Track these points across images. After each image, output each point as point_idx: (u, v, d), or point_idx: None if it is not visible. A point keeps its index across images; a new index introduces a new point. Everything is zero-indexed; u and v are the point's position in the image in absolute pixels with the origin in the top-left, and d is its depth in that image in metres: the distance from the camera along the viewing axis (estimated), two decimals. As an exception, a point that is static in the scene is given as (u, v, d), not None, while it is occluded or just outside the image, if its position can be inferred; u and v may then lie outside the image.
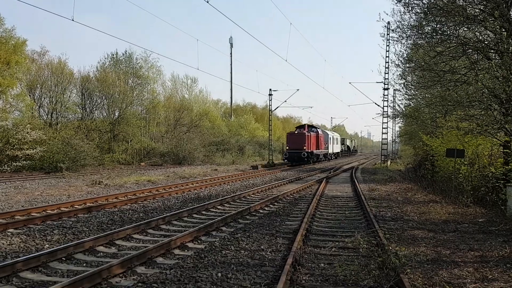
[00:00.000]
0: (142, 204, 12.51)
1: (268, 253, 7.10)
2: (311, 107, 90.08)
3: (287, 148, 36.17)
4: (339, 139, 58.32)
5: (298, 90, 54.65)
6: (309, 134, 36.69)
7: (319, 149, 40.19)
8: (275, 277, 5.74)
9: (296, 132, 37.27)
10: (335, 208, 12.43)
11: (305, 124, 40.80)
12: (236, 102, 73.03)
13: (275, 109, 48.84)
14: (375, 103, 45.47)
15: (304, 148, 35.28)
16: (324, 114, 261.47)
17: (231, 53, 34.96)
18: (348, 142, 77.25)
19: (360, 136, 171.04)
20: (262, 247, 7.48)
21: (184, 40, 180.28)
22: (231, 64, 35.23)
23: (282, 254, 7.01)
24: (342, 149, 64.49)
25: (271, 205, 12.63)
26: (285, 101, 61.94)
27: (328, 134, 47.71)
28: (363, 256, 6.89)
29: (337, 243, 7.73)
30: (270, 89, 43.17)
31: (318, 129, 41.54)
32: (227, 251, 7.15)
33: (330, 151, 48.88)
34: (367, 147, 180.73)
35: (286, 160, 37.19)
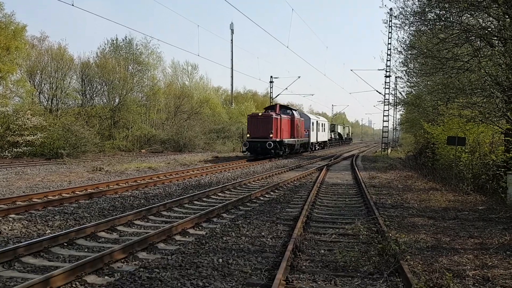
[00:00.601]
0: (143, 191, 12.54)
1: (268, 239, 7.14)
2: (312, 95, 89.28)
3: (248, 136, 27.31)
4: (326, 125, 48.20)
5: (299, 77, 53.79)
6: (278, 118, 27.68)
7: (294, 137, 31.18)
8: (275, 263, 5.77)
9: (260, 114, 27.92)
10: (335, 195, 12.46)
11: (275, 105, 31.03)
12: (236, 89, 72.88)
13: (276, 97, 48.72)
14: (377, 91, 45.39)
15: (271, 136, 26.52)
16: (326, 102, 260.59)
17: (231, 40, 34.79)
18: (339, 129, 66.04)
19: (361, 124, 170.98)
20: (262, 233, 7.51)
21: (184, 26, 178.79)
22: (231, 51, 35.10)
23: (282, 240, 7.04)
24: (331, 137, 55.24)
25: (271, 192, 12.66)
26: (286, 88, 61.85)
27: (310, 119, 38.67)
28: (363, 243, 6.92)
29: (337, 230, 7.76)
30: (271, 76, 43.08)
31: (294, 111, 32.21)
32: (228, 238, 7.18)
33: (313, 139, 39.80)
34: (368, 135, 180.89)
35: (246, 153, 28.29)
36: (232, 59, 34.52)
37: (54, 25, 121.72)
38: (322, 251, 6.51)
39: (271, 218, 8.82)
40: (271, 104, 42.21)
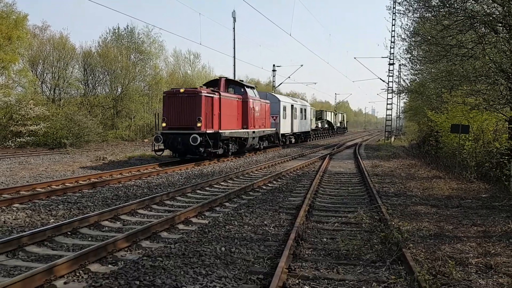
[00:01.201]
0: (146, 180, 12.57)
1: (271, 228, 7.15)
2: (315, 83, 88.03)
3: (164, 125, 17.29)
4: (309, 111, 37.82)
5: (302, 65, 52.97)
6: (213, 97, 17.57)
7: (247, 127, 20.90)
8: (278, 251, 5.79)
9: (181, 91, 17.35)
10: (338, 184, 12.46)
11: (219, 79, 20.54)
12: (239, 78, 72.53)
13: (278, 85, 48.54)
14: (380, 79, 45.04)
15: (198, 125, 16.66)
16: (329, 90, 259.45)
17: (234, 28, 34.45)
18: (329, 116, 53.71)
19: (364, 112, 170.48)
20: (265, 222, 7.53)
21: (186, 14, 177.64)
22: (234, 39, 34.69)
23: (285, 229, 7.05)
24: (317, 126, 45.57)
25: (274, 182, 12.67)
26: (289, 77, 61.13)
27: (279, 102, 28.57)
28: (366, 231, 6.93)
29: (340, 219, 7.77)
30: (274, 65, 42.85)
31: (249, 89, 21.53)
32: (230, 226, 7.20)
33: (285, 129, 29.91)
34: (371, 124, 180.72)
35: (161, 153, 17.83)
36: (234, 48, 34.35)
37: (55, 15, 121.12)
38: (325, 239, 6.52)
39: (274, 207, 8.83)
40: (274, 92, 39.64)
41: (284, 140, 29.97)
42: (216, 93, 18.09)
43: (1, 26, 27.73)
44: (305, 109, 36.23)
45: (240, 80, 22.23)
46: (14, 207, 8.43)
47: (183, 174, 14.06)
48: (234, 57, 34.34)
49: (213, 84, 20.60)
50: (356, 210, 8.28)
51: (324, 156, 21.16)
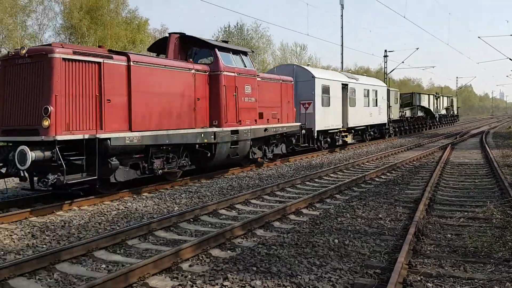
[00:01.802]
0: (257, 172, 12.97)
1: (387, 222, 6.83)
2: (433, 67, 79.36)
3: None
4: (383, 94, 25.16)
5: (417, 49, 49.11)
6: (102, 63, 8.14)
7: (219, 124, 11.17)
8: (396, 246, 5.50)
9: (23, 53, 7.52)
10: (462, 176, 11.42)
11: (168, 36, 11.67)
12: (347, 67, 70.21)
13: (390, 72, 45.94)
14: (510, 59, 39.91)
15: (45, 124, 7.26)
16: (449, 74, 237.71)
17: (341, 15, 33.40)
18: (425, 101, 36.99)
19: (491, 96, 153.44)
20: (380, 215, 7.22)
21: (293, 6, 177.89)
22: (341, 27, 33.64)
23: (402, 223, 6.68)
24: (404, 115, 31.01)
25: (388, 173, 12.09)
26: (403, 62, 57.19)
27: (314, 78, 17.63)
28: (497, 227, 6.23)
29: (465, 213, 7.10)
30: (385, 50, 40.59)
31: (225, 54, 11.54)
32: (342, 219, 7.05)
33: (328, 124, 18.40)
34: (499, 109, 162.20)
35: None
36: (342, 36, 33.28)
37: (171, 18, 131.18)
38: (449, 235, 6.01)
39: (389, 200, 8.42)
40: (385, 79, 32.77)
41: (328, 140, 18.92)
42: (118, 55, 8.91)
43: (126, 31, 30.97)
44: (375, 91, 23.74)
45: (221, 40, 12.21)
46: (143, 196, 9.36)
47: (292, 166, 14.16)
48: (342, 45, 33.44)
49: (160, 47, 12.31)
50: (485, 204, 7.48)
51: (445, 146, 19.57)
